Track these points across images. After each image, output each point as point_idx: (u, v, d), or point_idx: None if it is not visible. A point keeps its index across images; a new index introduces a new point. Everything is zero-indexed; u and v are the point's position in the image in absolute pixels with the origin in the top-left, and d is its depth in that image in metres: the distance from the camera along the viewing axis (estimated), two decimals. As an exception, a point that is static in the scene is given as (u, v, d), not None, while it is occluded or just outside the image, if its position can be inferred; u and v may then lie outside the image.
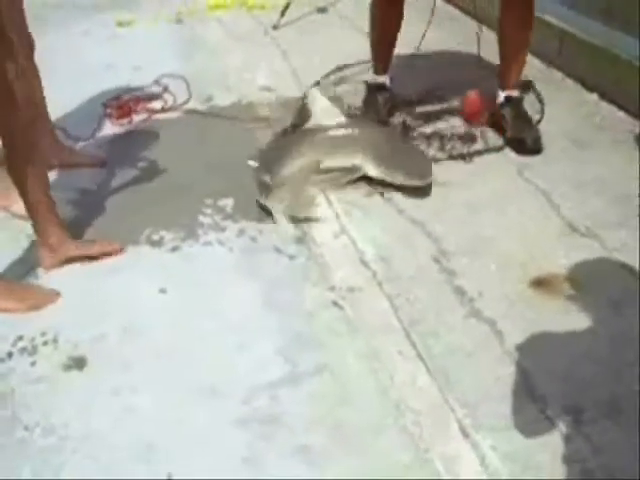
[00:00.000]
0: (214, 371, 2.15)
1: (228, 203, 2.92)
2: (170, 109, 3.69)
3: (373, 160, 2.93)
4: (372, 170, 2.93)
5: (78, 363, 2.22)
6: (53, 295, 2.48)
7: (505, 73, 3.20)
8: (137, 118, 3.62)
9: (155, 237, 2.76)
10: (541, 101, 3.39)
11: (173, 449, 1.92)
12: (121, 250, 2.68)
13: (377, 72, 3.46)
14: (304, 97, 3.38)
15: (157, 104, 3.73)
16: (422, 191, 2.89)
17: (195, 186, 3.02)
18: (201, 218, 2.84)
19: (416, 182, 2.89)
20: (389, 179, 2.91)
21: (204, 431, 1.97)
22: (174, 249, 2.70)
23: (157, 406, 2.06)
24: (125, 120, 3.60)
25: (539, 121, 3.27)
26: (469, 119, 3.28)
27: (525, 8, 3.04)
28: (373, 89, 3.47)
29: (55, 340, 2.30)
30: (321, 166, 2.98)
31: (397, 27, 3.29)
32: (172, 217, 2.84)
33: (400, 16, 3.26)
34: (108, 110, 3.67)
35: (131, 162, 3.24)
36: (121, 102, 3.72)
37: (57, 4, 5.30)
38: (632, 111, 3.26)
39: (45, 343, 2.30)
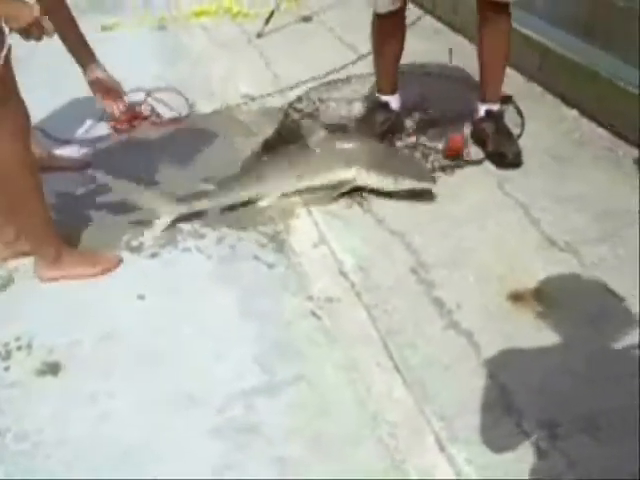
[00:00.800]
0: (191, 378, 2.15)
1: (208, 210, 2.91)
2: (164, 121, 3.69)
3: (369, 171, 2.90)
4: (370, 180, 2.91)
5: (52, 368, 2.20)
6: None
7: (485, 87, 3.21)
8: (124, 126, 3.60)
9: (134, 243, 2.74)
10: (521, 115, 3.42)
11: (149, 456, 1.91)
12: (119, 263, 2.64)
13: (381, 92, 3.39)
14: (287, 110, 3.37)
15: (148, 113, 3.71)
16: (428, 194, 2.91)
17: (175, 192, 3.00)
18: (180, 224, 2.83)
19: (427, 183, 2.90)
20: (391, 187, 2.90)
21: (180, 438, 1.96)
22: (153, 255, 2.68)
23: (134, 413, 2.04)
24: (125, 126, 3.57)
25: (519, 135, 3.29)
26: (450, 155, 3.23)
27: (502, 21, 3.05)
28: (375, 107, 3.42)
29: (29, 345, 2.29)
30: (306, 185, 2.97)
31: (401, 46, 3.26)
32: (151, 223, 2.82)
33: (403, 35, 3.23)
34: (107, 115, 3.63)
35: (112, 167, 3.22)
36: None
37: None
38: (610, 128, 3.28)
39: (19, 348, 2.28)
